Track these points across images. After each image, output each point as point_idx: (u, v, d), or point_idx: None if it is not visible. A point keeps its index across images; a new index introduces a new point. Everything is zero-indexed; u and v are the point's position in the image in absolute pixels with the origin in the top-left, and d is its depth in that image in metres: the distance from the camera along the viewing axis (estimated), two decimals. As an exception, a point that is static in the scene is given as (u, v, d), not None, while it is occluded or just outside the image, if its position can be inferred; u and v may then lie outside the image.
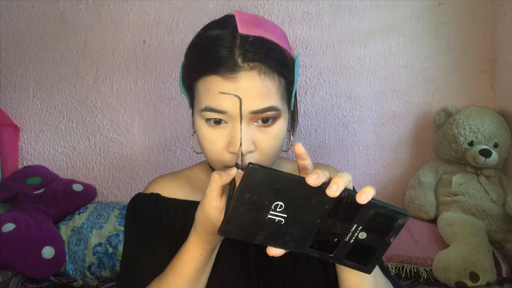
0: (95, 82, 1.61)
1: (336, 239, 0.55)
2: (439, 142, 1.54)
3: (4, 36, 1.60)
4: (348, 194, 0.52)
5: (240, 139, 0.64)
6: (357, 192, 0.52)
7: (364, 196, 0.51)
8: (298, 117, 0.81)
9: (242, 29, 0.65)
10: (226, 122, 0.66)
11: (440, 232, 1.38)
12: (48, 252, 1.27)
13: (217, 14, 0.73)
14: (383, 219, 0.53)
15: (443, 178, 1.53)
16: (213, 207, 0.58)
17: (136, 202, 0.79)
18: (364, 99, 1.61)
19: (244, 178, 0.50)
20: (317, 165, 0.87)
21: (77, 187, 1.49)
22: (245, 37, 0.64)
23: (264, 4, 1.58)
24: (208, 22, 0.72)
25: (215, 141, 0.67)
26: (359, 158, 1.64)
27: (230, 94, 0.63)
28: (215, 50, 0.64)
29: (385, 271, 0.75)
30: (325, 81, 1.61)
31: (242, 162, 0.65)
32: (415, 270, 1.28)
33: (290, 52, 0.71)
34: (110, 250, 1.35)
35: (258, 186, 0.51)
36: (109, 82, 1.61)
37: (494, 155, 1.42)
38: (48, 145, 1.63)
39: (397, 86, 1.61)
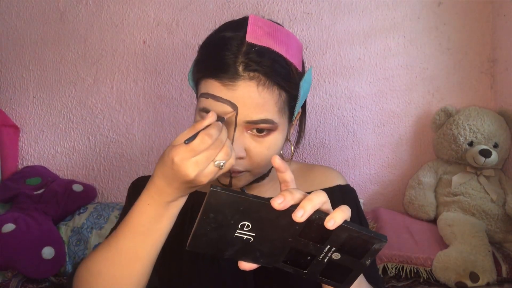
0: (95, 83, 1.61)
1: (309, 257, 0.54)
2: (439, 142, 1.54)
3: (4, 36, 1.60)
4: (319, 217, 0.50)
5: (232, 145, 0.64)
6: (328, 215, 0.50)
7: (332, 222, 0.50)
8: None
9: (250, 37, 0.64)
10: None
11: (440, 232, 1.38)
12: (48, 252, 1.27)
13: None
14: (358, 242, 0.52)
15: (443, 178, 1.53)
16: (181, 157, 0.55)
17: (139, 182, 0.82)
18: (364, 99, 1.61)
19: (206, 199, 0.49)
20: (316, 167, 0.87)
21: (77, 188, 1.49)
22: (252, 45, 0.64)
23: (264, 4, 1.58)
24: (227, 21, 0.72)
25: None
26: (359, 158, 1.63)
27: (226, 101, 0.63)
28: (221, 53, 0.64)
29: (376, 279, 0.75)
30: (325, 81, 1.61)
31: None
32: (415, 270, 1.28)
33: (299, 66, 0.69)
34: (110, 250, 1.35)
35: (222, 207, 0.49)
36: (109, 82, 1.61)
37: (494, 155, 1.42)
38: (48, 146, 1.63)
39: (397, 86, 1.61)
